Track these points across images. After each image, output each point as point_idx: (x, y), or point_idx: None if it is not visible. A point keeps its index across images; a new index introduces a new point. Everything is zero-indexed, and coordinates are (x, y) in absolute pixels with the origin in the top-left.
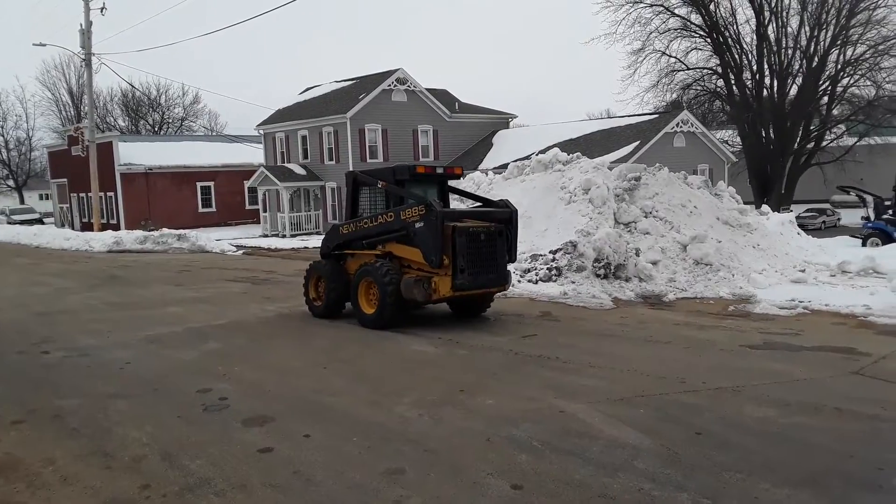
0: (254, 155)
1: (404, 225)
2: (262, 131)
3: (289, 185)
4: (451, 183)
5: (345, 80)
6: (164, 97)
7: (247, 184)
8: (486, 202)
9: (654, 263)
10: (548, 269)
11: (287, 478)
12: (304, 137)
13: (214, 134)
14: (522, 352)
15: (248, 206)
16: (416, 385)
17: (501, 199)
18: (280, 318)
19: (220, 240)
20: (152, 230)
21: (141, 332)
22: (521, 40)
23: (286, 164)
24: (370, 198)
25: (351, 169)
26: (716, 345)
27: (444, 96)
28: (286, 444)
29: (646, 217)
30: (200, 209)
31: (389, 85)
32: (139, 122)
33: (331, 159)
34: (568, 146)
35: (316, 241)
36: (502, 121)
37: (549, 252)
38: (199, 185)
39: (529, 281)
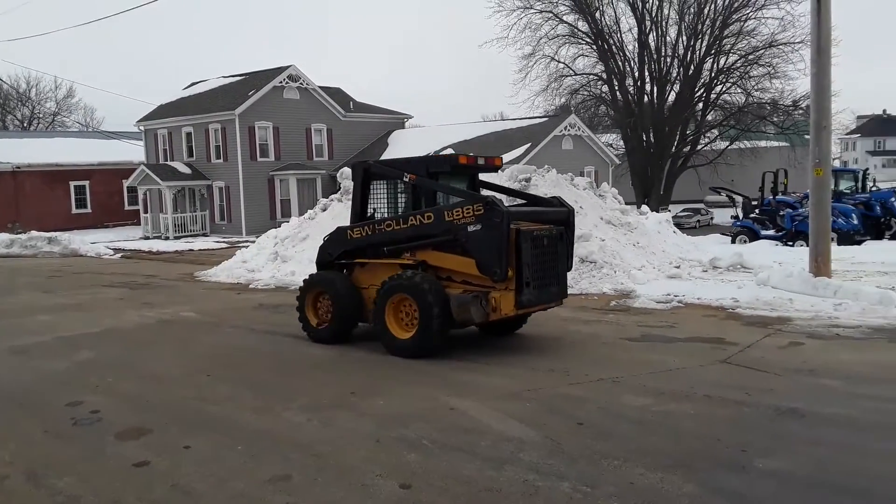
0: (133, 153)
1: (450, 228)
2: (142, 128)
3: (172, 184)
4: (483, 177)
5: (233, 76)
6: (35, 90)
7: (126, 183)
8: (532, 199)
9: None
10: None
11: (164, 492)
12: (188, 134)
13: (90, 130)
14: None
15: (127, 207)
16: (305, 389)
17: (553, 196)
18: (161, 324)
19: (95, 242)
20: (20, 233)
21: (4, 343)
22: (417, 42)
23: (169, 163)
24: (388, 194)
25: (278, 162)
26: (599, 338)
27: (338, 95)
28: (164, 457)
29: None
30: (74, 210)
31: (281, 82)
32: (6, 117)
33: (218, 157)
34: (463, 147)
35: (203, 244)
36: (398, 121)
37: None
38: (72, 184)
39: None
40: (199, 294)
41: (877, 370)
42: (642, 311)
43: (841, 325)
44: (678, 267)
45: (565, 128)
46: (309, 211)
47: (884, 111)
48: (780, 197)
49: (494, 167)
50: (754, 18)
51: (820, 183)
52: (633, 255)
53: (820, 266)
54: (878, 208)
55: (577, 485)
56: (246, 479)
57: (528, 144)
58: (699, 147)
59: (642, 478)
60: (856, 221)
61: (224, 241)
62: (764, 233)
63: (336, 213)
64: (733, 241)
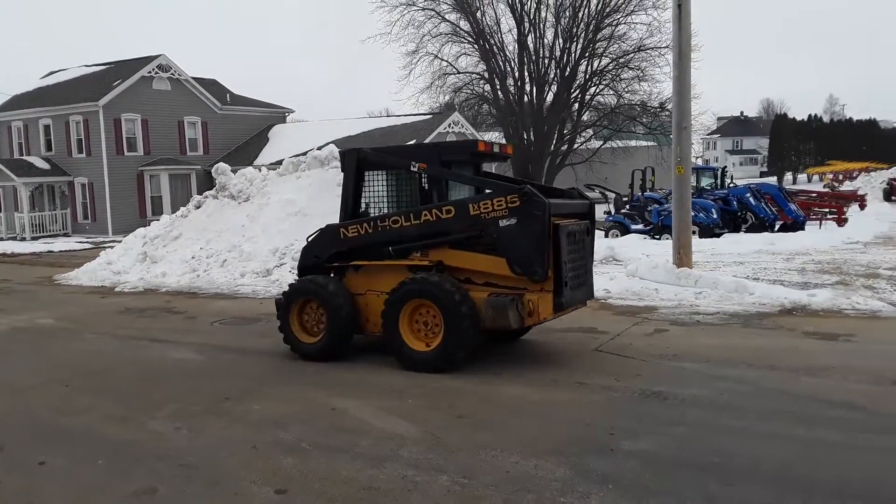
0: None
1: (476, 223)
2: None
3: (28, 180)
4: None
5: (97, 65)
6: None
7: None
8: (546, 191)
9: None
10: None
11: None
12: (47, 127)
13: None
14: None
15: None
16: (174, 397)
17: (572, 189)
18: (14, 332)
19: None
20: None
21: None
22: (300, 34)
23: (25, 157)
24: (389, 186)
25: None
26: None
27: (213, 87)
28: (17, 475)
29: None
30: None
31: (150, 72)
32: None
33: (80, 152)
34: (348, 143)
35: (64, 245)
36: (279, 115)
37: None
38: None
39: None
40: (58, 299)
41: (732, 353)
42: None
43: (701, 312)
44: None
45: (449, 125)
46: (182, 208)
47: (741, 113)
48: (647, 193)
49: (507, 156)
50: (624, 23)
51: (681, 180)
52: None
53: (682, 257)
54: (735, 203)
55: (455, 477)
56: (107, 494)
57: (413, 141)
58: (576, 146)
59: (517, 466)
60: (715, 215)
61: (88, 242)
62: (634, 227)
63: (211, 211)
64: (606, 236)
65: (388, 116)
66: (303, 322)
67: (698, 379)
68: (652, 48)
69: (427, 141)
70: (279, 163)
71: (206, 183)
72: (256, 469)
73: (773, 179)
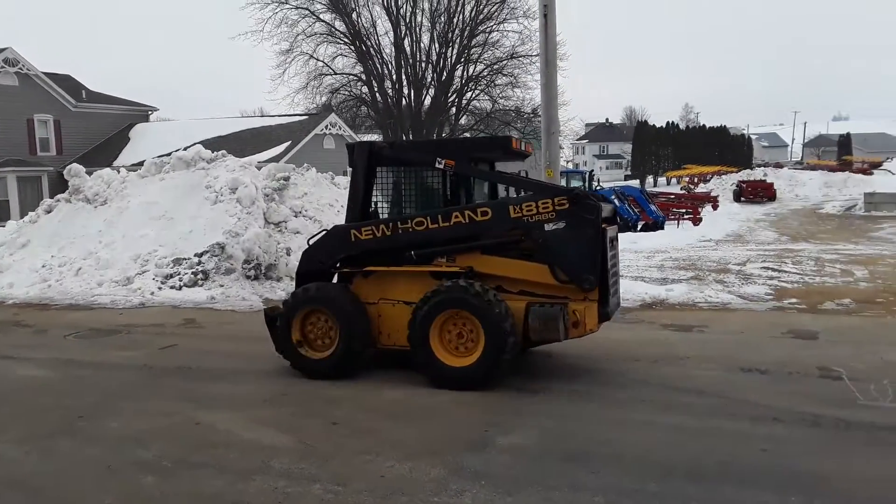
0: None
1: (518, 226)
2: None
3: None
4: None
5: None
6: None
7: None
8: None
9: None
10: (193, 273)
11: None
12: None
13: None
14: (158, 365)
15: None
16: (21, 417)
17: (574, 187)
18: None
19: None
20: None
21: None
22: (168, 29)
23: None
24: (407, 185)
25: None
26: None
27: (67, 82)
28: None
29: (296, 216)
30: None
31: None
32: None
33: None
34: (218, 143)
35: None
36: (141, 113)
37: (195, 255)
38: None
39: (172, 287)
40: None
41: (599, 347)
42: None
43: None
44: None
45: (326, 127)
46: (31, 213)
47: (606, 120)
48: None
49: (528, 154)
50: (497, 31)
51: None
52: None
53: None
54: None
55: (328, 485)
56: None
57: (289, 143)
58: None
59: (392, 469)
60: None
61: None
62: None
63: (64, 216)
64: None
65: (261, 116)
66: (304, 334)
67: (569, 373)
68: (524, 56)
69: (304, 143)
70: (141, 164)
71: (60, 186)
72: (111, 490)
73: (636, 182)
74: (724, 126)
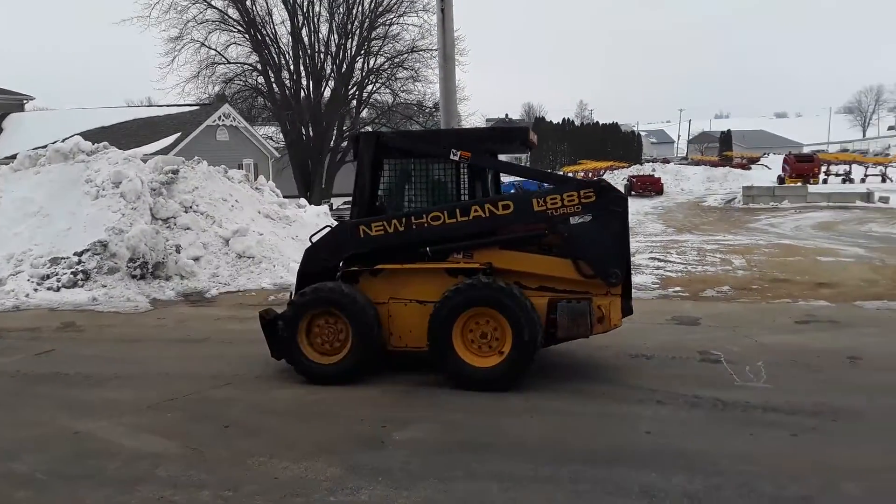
0: None
1: (541, 220)
2: None
3: None
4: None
5: None
6: None
7: None
8: (560, 181)
9: (197, 259)
10: (73, 273)
11: None
12: None
13: None
14: (33, 371)
15: None
16: None
17: (599, 178)
18: None
19: None
20: None
21: None
22: (46, 12)
23: None
24: (416, 177)
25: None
26: (255, 335)
27: None
28: None
29: (186, 212)
30: None
31: None
32: None
33: None
34: (100, 135)
35: None
36: (15, 103)
37: (74, 254)
38: None
39: (49, 288)
40: None
41: None
42: None
43: None
44: None
45: (220, 118)
46: None
47: (506, 115)
48: None
49: (534, 146)
50: (397, 24)
51: None
52: (292, 248)
53: None
54: None
55: (218, 491)
56: None
57: (179, 134)
58: None
59: (287, 471)
60: None
61: None
62: None
63: None
64: None
65: (149, 106)
66: (310, 338)
67: None
68: (424, 50)
69: (195, 134)
70: (14, 157)
71: None
72: None
73: None
74: (616, 123)
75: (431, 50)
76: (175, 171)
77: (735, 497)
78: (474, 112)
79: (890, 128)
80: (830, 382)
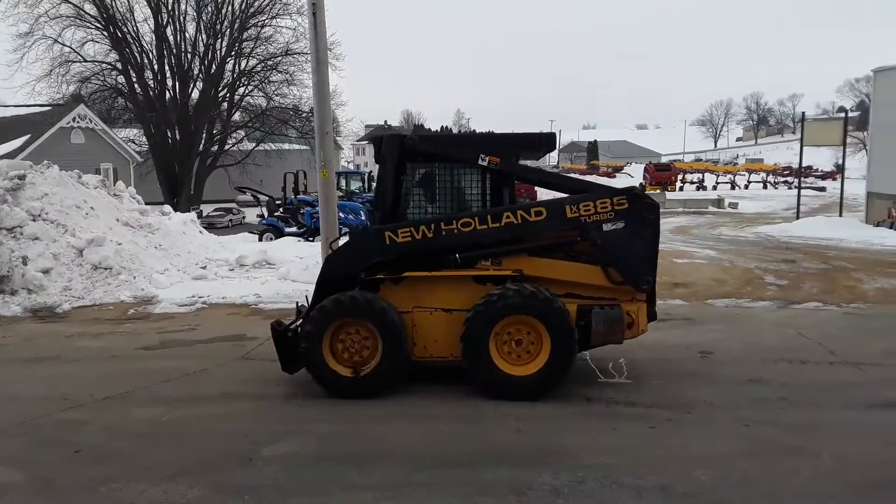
0: None
1: (574, 227)
2: None
3: None
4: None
5: None
6: None
7: None
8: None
9: (46, 272)
10: None
11: None
12: None
13: None
14: None
15: None
16: None
17: (631, 186)
18: None
19: None
20: None
21: None
22: None
23: None
24: (441, 182)
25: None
26: (110, 352)
27: None
28: None
29: (34, 220)
30: None
31: None
32: None
33: None
34: None
35: None
36: None
37: None
38: None
39: None
40: None
41: None
42: (164, 316)
43: None
44: (204, 268)
45: (74, 119)
46: None
47: (385, 122)
48: (300, 196)
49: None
50: (270, 26)
51: (326, 183)
52: (155, 258)
53: None
54: None
55: None
56: None
57: (28, 136)
58: (227, 147)
59: (145, 495)
60: (364, 217)
61: None
62: (288, 230)
63: None
64: (260, 239)
65: None
66: (334, 350)
67: None
68: (299, 53)
69: (47, 136)
70: None
71: None
72: None
73: None
74: (492, 131)
75: (306, 53)
76: (22, 177)
77: (598, 489)
78: (352, 118)
79: (738, 139)
80: (685, 376)
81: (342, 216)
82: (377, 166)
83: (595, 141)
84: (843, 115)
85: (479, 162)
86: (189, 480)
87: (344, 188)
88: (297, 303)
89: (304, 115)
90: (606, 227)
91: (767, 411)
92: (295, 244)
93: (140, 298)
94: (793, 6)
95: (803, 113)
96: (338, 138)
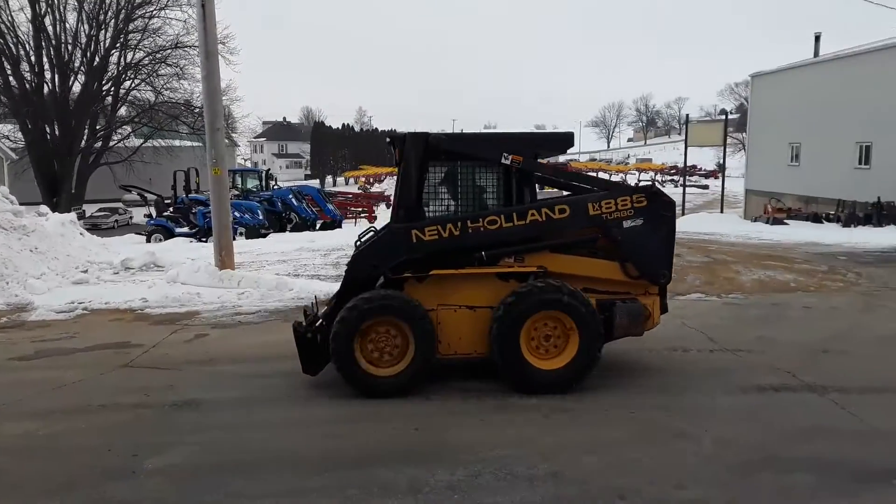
0: None
1: (596, 224)
2: None
3: None
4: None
5: None
6: None
7: None
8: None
9: None
10: None
11: None
12: None
13: None
14: None
15: None
16: None
17: (648, 184)
18: None
19: None
20: None
21: None
22: None
23: None
24: (462, 181)
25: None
26: None
27: None
28: None
29: None
30: None
31: None
32: None
33: None
34: None
35: None
36: None
37: None
38: None
39: None
40: None
41: (270, 349)
42: (40, 324)
43: (243, 313)
44: (86, 271)
45: None
46: None
47: (284, 119)
48: (192, 195)
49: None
50: (158, 17)
51: (218, 181)
52: (30, 262)
53: (224, 259)
54: (279, 204)
55: None
56: None
57: None
58: (112, 143)
59: None
60: (261, 216)
61: None
62: (179, 230)
63: None
64: (148, 240)
65: None
66: (367, 350)
67: (234, 380)
68: (190, 46)
69: None
70: None
71: None
72: None
73: (315, 182)
74: (395, 130)
75: (196, 46)
76: None
77: (493, 481)
78: (248, 114)
79: (629, 140)
80: None
81: (238, 215)
82: (401, 164)
83: None
84: (723, 117)
85: (503, 161)
86: (65, 497)
87: (240, 186)
88: (310, 303)
89: (197, 110)
90: (626, 223)
91: (653, 398)
92: (187, 245)
93: (14, 306)
94: (675, 13)
95: (687, 115)
96: (233, 135)
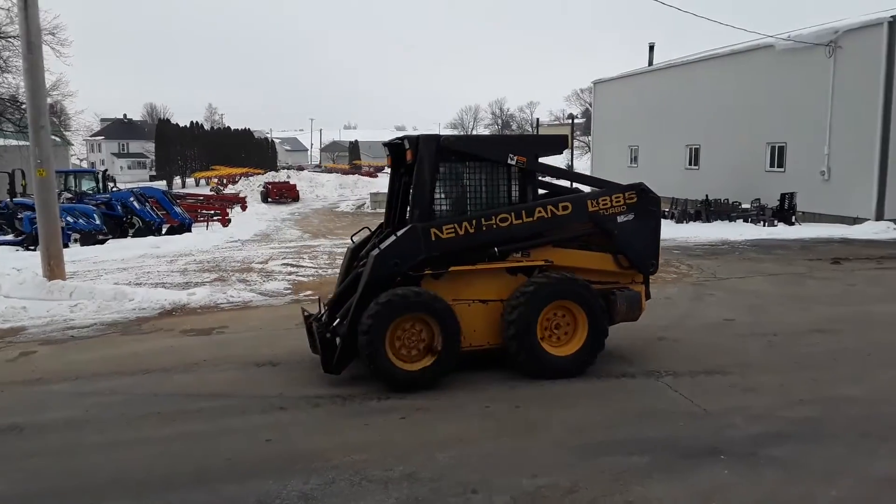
0: None
1: (593, 219)
2: None
3: None
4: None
5: None
6: None
7: None
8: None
9: None
10: None
11: None
12: None
13: None
14: None
15: None
16: None
17: (638, 182)
18: None
19: None
20: None
21: None
22: None
23: None
24: (471, 181)
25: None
26: None
27: None
28: None
29: None
30: None
31: None
32: None
33: None
34: None
35: None
36: None
37: None
38: None
39: None
40: None
41: (106, 364)
42: None
43: (76, 327)
44: None
45: None
46: None
47: (124, 116)
48: (18, 199)
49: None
50: None
51: (44, 183)
52: None
53: (53, 269)
54: (120, 208)
55: None
56: None
57: None
58: None
59: None
60: (98, 221)
61: None
62: (2, 238)
63: None
64: None
65: None
66: (396, 345)
67: (64, 400)
68: (14, 36)
69: None
70: None
71: None
72: None
73: (162, 183)
74: (249, 129)
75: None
76: None
77: (347, 487)
78: (83, 110)
79: None
80: None
81: (71, 220)
82: (415, 165)
83: (356, 141)
84: (570, 121)
85: (509, 161)
86: None
87: (74, 189)
88: (326, 303)
89: (23, 106)
90: (620, 218)
91: (505, 391)
92: (12, 254)
93: None
94: (524, 20)
95: (538, 119)
96: (66, 133)
